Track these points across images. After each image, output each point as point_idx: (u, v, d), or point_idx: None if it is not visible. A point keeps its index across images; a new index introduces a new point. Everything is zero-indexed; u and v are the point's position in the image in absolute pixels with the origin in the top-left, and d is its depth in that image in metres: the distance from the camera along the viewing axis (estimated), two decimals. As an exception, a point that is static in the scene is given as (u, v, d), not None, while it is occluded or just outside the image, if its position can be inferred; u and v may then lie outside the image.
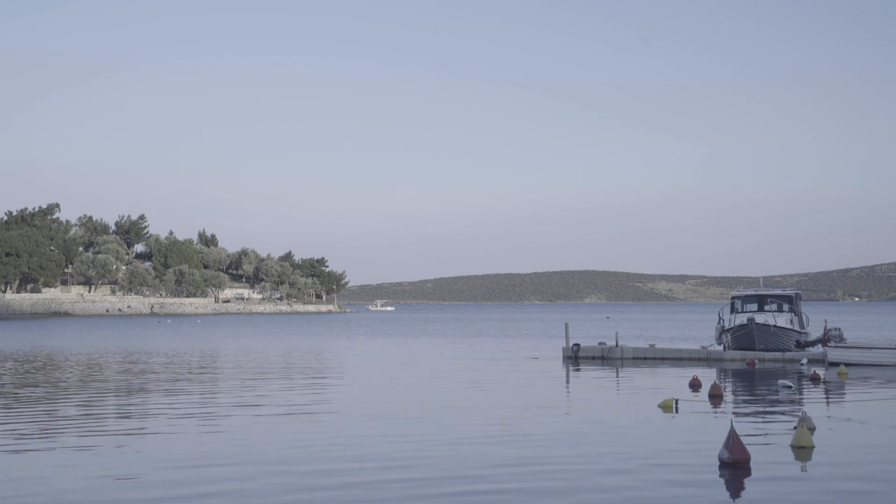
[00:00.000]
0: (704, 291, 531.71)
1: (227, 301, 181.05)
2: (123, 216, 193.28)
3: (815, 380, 28.95)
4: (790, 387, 26.40)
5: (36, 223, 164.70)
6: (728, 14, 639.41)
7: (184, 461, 14.37)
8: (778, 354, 37.57)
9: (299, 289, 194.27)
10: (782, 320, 40.10)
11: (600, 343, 42.72)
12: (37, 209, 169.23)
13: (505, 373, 33.11)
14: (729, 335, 39.48)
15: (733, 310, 42.50)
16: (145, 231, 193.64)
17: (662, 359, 38.92)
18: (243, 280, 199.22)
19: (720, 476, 13.05)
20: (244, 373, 33.51)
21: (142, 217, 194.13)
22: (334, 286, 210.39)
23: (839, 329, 38.34)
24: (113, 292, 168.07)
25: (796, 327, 40.89)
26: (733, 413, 20.56)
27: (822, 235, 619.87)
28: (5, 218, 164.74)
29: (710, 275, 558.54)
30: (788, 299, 42.49)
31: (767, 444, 15.91)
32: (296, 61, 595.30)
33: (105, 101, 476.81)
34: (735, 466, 13.50)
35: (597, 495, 11.82)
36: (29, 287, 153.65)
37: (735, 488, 12.30)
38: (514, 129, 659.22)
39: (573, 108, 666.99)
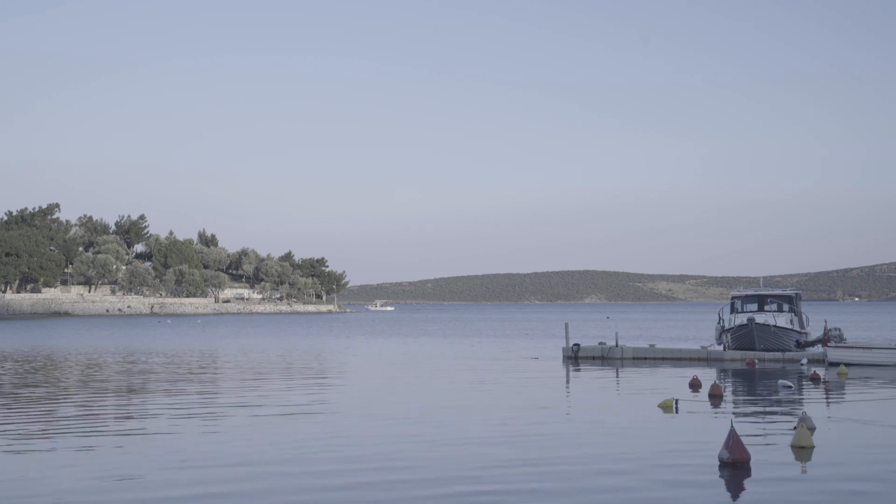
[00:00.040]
0: (704, 291, 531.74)
1: (227, 301, 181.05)
2: (123, 216, 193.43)
3: (815, 380, 28.94)
4: (790, 387, 26.39)
5: (36, 223, 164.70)
6: (728, 14, 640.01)
7: (184, 461, 14.37)
8: (778, 354, 37.57)
9: (299, 289, 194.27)
10: (782, 320, 40.10)
11: (600, 343, 42.72)
12: (37, 209, 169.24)
13: (505, 373, 33.11)
14: (729, 335, 39.48)
15: (733, 310, 42.50)
16: (145, 231, 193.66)
17: (662, 359, 38.92)
18: (243, 280, 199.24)
19: (720, 476, 13.05)
20: (244, 373, 33.52)
21: (142, 217, 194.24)
22: (334, 286, 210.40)
23: (839, 329, 38.33)
24: (113, 292, 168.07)
25: (796, 327, 40.89)
26: (733, 413, 20.56)
27: (822, 235, 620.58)
28: (5, 218, 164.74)
29: (710, 275, 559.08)
30: (788, 299, 42.49)
31: (767, 444, 15.91)
32: (296, 61, 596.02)
33: (105, 101, 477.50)
34: (735, 466, 13.50)
35: (597, 495, 11.82)
36: (29, 287, 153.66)
37: (735, 488, 12.30)
38: (514, 129, 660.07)
39: (573, 108, 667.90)
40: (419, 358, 43.29)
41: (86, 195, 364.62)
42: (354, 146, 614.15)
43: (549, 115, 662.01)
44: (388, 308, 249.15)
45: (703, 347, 40.97)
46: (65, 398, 24.28)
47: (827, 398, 24.22)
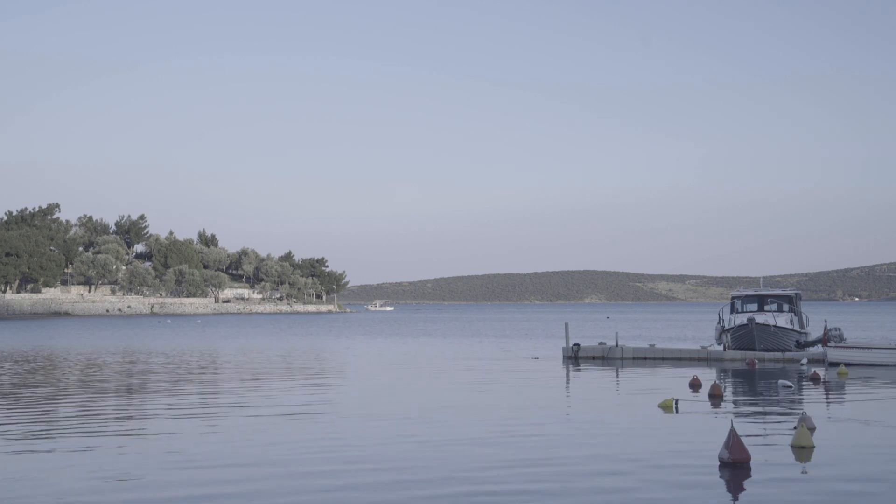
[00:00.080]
0: (704, 291, 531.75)
1: (227, 301, 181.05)
2: (123, 216, 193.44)
3: (815, 380, 28.94)
4: (790, 387, 26.39)
5: (36, 223, 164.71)
6: (728, 14, 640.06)
7: (184, 462, 14.36)
8: (778, 354, 37.57)
9: (299, 289, 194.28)
10: (782, 320, 40.10)
11: (600, 343, 42.72)
12: (37, 209, 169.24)
13: (505, 373, 33.11)
14: (729, 335, 39.48)
15: (733, 310, 42.50)
16: (145, 231, 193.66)
17: (662, 359, 38.91)
18: (243, 280, 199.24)
19: (720, 476, 13.05)
20: (244, 373, 33.52)
21: (142, 217, 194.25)
22: (334, 286, 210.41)
23: (839, 329, 38.33)
24: (113, 292, 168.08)
25: (796, 327, 40.89)
26: (733, 413, 20.56)
27: (822, 235, 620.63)
28: (5, 218, 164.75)
29: (710, 275, 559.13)
30: (788, 299, 42.49)
31: (767, 444, 15.91)
32: (296, 61, 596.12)
33: (105, 101, 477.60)
34: (735, 466, 13.50)
35: (597, 496, 11.82)
36: (29, 287, 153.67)
37: (735, 488, 12.30)
38: (514, 129, 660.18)
39: (573, 108, 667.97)
40: (419, 358, 43.28)
41: (86, 195, 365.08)
42: (354, 146, 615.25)
43: (549, 115, 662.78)
44: (388, 308, 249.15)
45: (703, 347, 40.97)
46: (65, 398, 24.28)
47: (827, 398, 24.22)
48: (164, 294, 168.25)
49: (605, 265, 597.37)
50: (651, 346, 41.63)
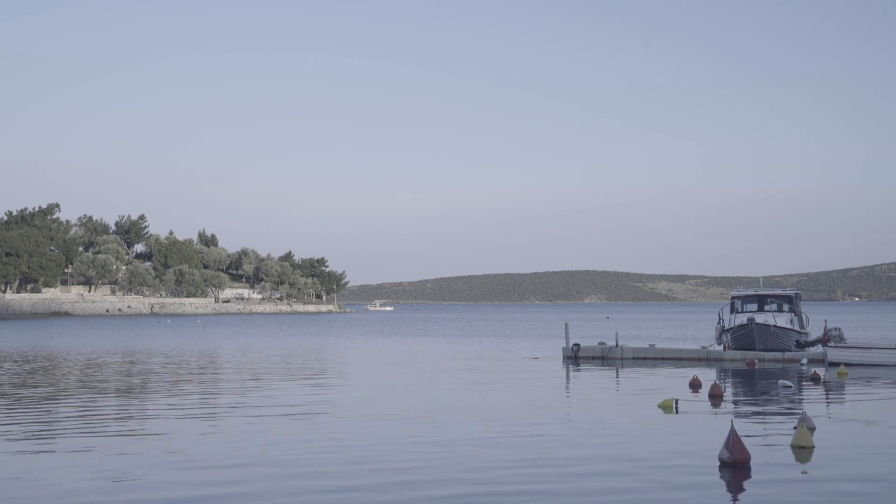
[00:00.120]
0: (704, 291, 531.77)
1: (227, 301, 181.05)
2: (123, 216, 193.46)
3: (815, 380, 28.94)
4: (790, 387, 26.39)
5: (36, 223, 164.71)
6: (728, 14, 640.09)
7: (184, 462, 14.36)
8: (778, 354, 37.57)
9: (299, 289, 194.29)
10: (782, 320, 40.11)
11: (600, 343, 42.72)
12: (37, 209, 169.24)
13: (505, 373, 33.11)
14: (729, 335, 39.48)
15: (733, 310, 42.50)
16: (145, 231, 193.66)
17: (662, 359, 38.91)
18: (243, 280, 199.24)
19: (720, 476, 13.05)
20: (244, 373, 33.52)
21: (142, 217, 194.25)
22: (334, 286, 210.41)
23: (839, 329, 38.33)
24: (113, 292, 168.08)
25: (796, 327, 40.90)
26: (733, 413, 20.56)
27: (822, 235, 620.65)
28: (5, 218, 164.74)
29: (710, 275, 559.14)
30: (788, 299, 42.49)
31: (767, 444, 15.91)
32: (296, 61, 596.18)
33: (105, 101, 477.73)
34: (735, 466, 13.50)
35: (597, 496, 11.82)
36: (29, 287, 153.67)
37: (735, 488, 12.30)
38: (514, 129, 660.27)
39: (573, 108, 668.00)
40: (419, 358, 43.28)
41: (86, 195, 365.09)
42: (354, 146, 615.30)
43: (549, 115, 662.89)
44: (388, 308, 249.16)
45: (703, 347, 40.97)
46: (65, 398, 24.28)
47: (827, 398, 24.22)
48: (164, 294, 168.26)
49: (605, 265, 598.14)
50: (651, 346, 41.62)
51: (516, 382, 29.07)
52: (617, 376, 31.99)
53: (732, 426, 14.40)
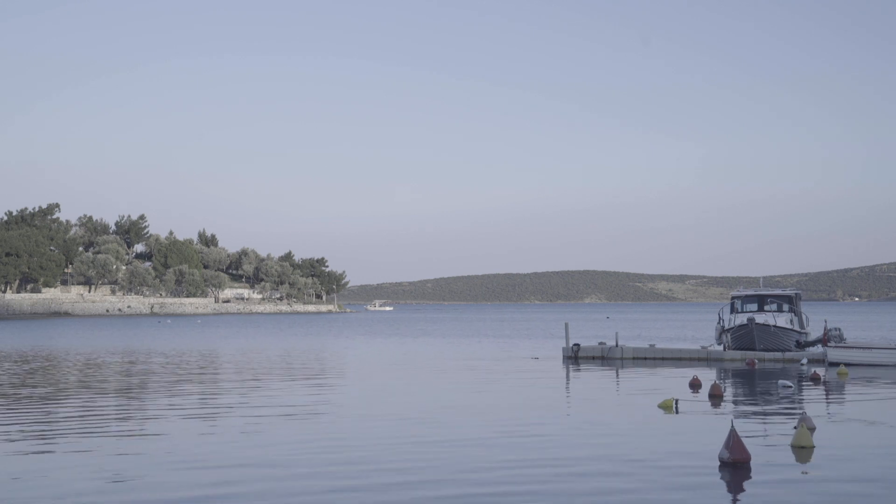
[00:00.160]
0: (704, 291, 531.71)
1: (227, 301, 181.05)
2: (123, 216, 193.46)
3: (815, 380, 28.94)
4: (790, 387, 26.39)
5: (36, 223, 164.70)
6: (728, 14, 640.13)
7: (183, 463, 14.36)
8: (778, 354, 37.57)
9: (299, 289, 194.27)
10: (782, 320, 40.10)
11: (600, 343, 42.72)
12: (37, 209, 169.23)
13: (505, 373, 33.11)
14: (729, 335, 39.47)
15: (733, 310, 42.49)
16: (145, 231, 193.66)
17: (662, 359, 38.91)
18: (243, 280, 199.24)
19: (720, 476, 13.05)
20: (244, 373, 33.51)
21: (142, 217, 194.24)
22: (334, 286, 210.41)
23: (839, 329, 38.35)
24: (113, 292, 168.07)
25: (796, 327, 40.89)
26: (733, 413, 20.56)
27: (822, 235, 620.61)
28: (5, 218, 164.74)
29: (710, 275, 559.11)
30: (788, 299, 42.48)
31: (767, 444, 15.90)
32: (296, 61, 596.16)
33: (105, 101, 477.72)
34: (735, 466, 13.50)
35: (597, 496, 11.81)
36: (29, 287, 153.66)
37: (735, 488, 12.30)
38: (514, 129, 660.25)
39: (573, 108, 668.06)
40: (419, 358, 43.28)
41: (86, 195, 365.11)
42: (354, 146, 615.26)
43: (549, 115, 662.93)
44: (387, 308, 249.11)
45: (703, 347, 40.97)
46: (65, 398, 24.27)
47: (827, 398, 24.22)
48: (164, 294, 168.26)
49: (605, 265, 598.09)
50: (651, 346, 41.62)
51: (516, 382, 29.07)
52: (617, 376, 31.99)
53: (732, 426, 14.40)
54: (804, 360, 36.04)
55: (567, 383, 29.96)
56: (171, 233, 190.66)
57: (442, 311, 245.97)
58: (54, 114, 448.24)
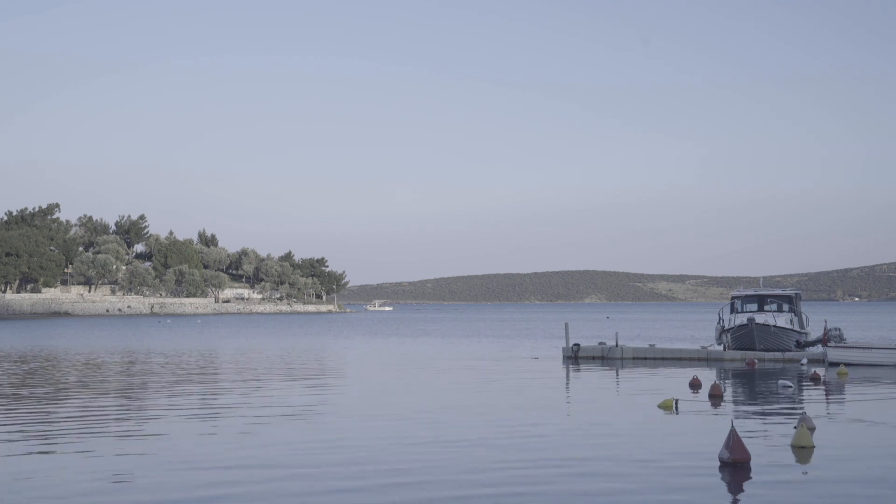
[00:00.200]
0: (704, 291, 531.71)
1: (227, 301, 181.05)
2: (123, 216, 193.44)
3: (815, 380, 28.94)
4: (790, 387, 26.39)
5: (36, 223, 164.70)
6: (728, 14, 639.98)
7: (183, 463, 14.35)
8: (778, 354, 37.57)
9: (299, 289, 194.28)
10: (782, 320, 40.10)
11: (600, 343, 42.72)
12: (37, 209, 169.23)
13: (505, 373, 33.11)
14: (729, 335, 39.47)
15: (733, 310, 42.49)
16: (145, 231, 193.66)
17: (662, 359, 38.91)
18: (243, 280, 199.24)
19: (720, 476, 13.04)
20: (244, 373, 33.51)
21: (142, 217, 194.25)
22: (334, 286, 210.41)
23: (839, 329, 38.36)
24: (113, 292, 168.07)
25: (796, 327, 40.89)
26: (733, 413, 20.56)
27: (822, 235, 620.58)
28: (5, 218, 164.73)
29: (710, 275, 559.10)
30: (788, 299, 42.48)
31: (767, 444, 15.90)
32: (296, 61, 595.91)
33: (105, 101, 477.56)
34: (735, 466, 13.49)
35: (597, 496, 11.81)
36: (29, 287, 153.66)
37: (735, 488, 12.30)
38: (514, 129, 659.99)
39: (573, 108, 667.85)
40: (419, 358, 43.27)
41: (86, 195, 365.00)
42: (354, 146, 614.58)
43: (549, 115, 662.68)
44: (387, 308, 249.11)
45: (703, 347, 40.97)
46: (64, 398, 24.26)
47: (827, 398, 24.22)
48: (164, 294, 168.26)
49: (605, 265, 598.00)
50: (651, 346, 41.62)
51: (516, 382, 29.07)
52: (617, 376, 31.98)
53: (732, 426, 14.40)
54: (804, 360, 36.04)
55: (567, 383, 29.96)
56: (171, 233, 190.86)
57: (442, 311, 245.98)
58: (54, 114, 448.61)
